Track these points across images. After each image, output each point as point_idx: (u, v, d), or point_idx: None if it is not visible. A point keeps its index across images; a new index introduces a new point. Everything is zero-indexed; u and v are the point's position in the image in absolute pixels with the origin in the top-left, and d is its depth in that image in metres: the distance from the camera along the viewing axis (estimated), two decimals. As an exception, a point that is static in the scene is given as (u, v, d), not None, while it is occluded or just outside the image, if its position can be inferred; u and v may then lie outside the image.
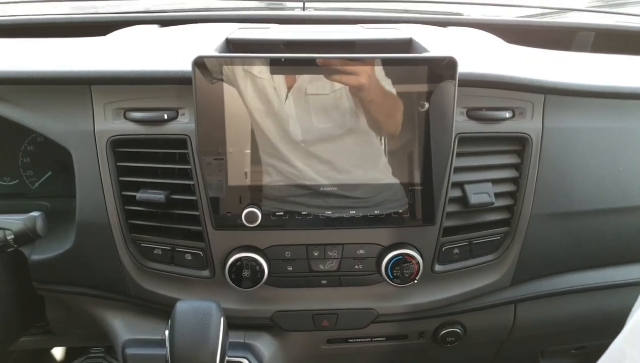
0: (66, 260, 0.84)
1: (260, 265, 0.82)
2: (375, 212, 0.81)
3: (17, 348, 1.41)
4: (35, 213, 0.77)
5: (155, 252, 0.84)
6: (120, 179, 0.82)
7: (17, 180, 1.01)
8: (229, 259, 0.82)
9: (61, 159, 1.00)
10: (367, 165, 0.79)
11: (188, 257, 0.84)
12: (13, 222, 0.76)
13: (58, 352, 1.70)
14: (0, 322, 0.82)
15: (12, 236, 0.75)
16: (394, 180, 0.80)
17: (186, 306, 0.68)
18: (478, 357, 1.07)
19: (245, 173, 0.78)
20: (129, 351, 0.85)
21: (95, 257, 0.84)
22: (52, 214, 0.94)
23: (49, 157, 1.00)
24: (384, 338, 0.95)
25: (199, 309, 0.68)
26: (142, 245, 0.84)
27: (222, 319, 0.68)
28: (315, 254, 0.84)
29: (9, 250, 0.78)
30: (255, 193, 0.79)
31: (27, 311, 0.94)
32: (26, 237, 0.76)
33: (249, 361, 0.85)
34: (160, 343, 0.85)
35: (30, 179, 1.01)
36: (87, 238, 0.83)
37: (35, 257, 0.86)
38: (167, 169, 0.82)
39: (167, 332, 0.68)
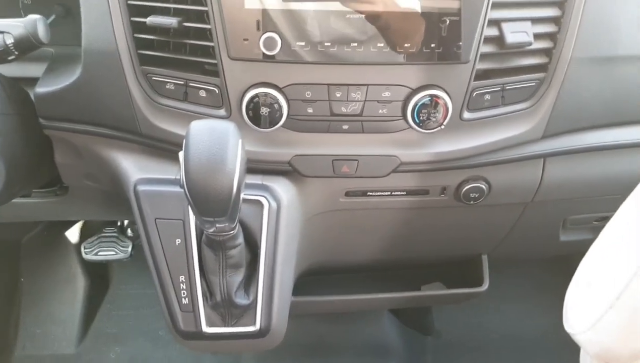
0: (73, 92, 0.80)
1: (279, 103, 0.77)
2: (405, 46, 0.75)
3: (30, 219, 1.41)
4: (35, 16, 0.72)
5: (167, 86, 0.79)
6: (129, 2, 0.75)
7: None
8: (245, 96, 0.77)
9: (65, 2, 0.93)
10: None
11: (202, 93, 0.79)
12: (12, 25, 0.70)
13: (71, 234, 1.72)
14: (8, 157, 0.79)
15: (12, 40, 0.70)
16: (426, 9, 0.73)
17: (202, 124, 0.64)
18: (499, 223, 1.04)
19: None
20: (141, 188, 0.82)
21: (104, 89, 0.79)
22: (57, 59, 0.89)
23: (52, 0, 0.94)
24: (404, 193, 0.92)
25: (216, 128, 0.63)
26: (154, 79, 0.79)
27: (240, 141, 0.64)
28: (338, 95, 0.79)
29: (9, 58, 0.73)
30: (275, 18, 0.73)
31: (36, 157, 0.91)
32: (28, 42, 0.71)
33: (268, 201, 0.82)
34: (173, 182, 0.82)
35: None
36: (95, 68, 0.78)
37: (40, 89, 0.81)
38: None
39: (181, 154, 0.64)
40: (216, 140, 0.62)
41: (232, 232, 0.73)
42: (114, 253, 1.54)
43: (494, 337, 1.65)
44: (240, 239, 0.76)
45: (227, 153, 0.61)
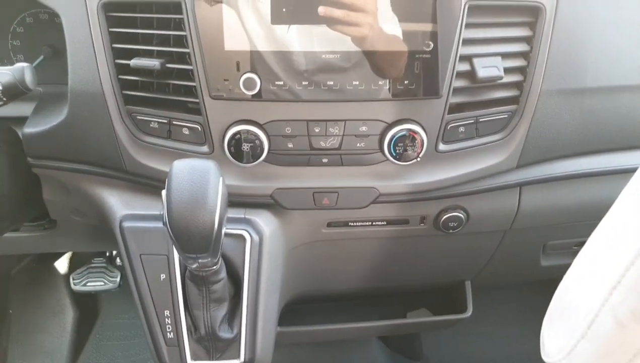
0: (60, 132, 0.82)
1: (260, 139, 0.80)
2: (380, 83, 0.78)
3: (19, 252, 1.42)
4: (23, 64, 0.74)
5: (151, 125, 0.82)
6: (114, 46, 0.78)
7: (8, 65, 0.98)
8: (227, 133, 0.80)
9: (53, 44, 0.96)
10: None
11: (186, 131, 0.82)
12: (0, 73, 0.73)
13: (61, 265, 1.72)
14: None
15: (1, 88, 0.72)
16: (400, 48, 0.76)
17: (183, 164, 0.66)
18: (480, 251, 1.06)
19: (243, 38, 0.75)
20: (127, 224, 0.84)
21: (89, 129, 0.81)
22: (46, 98, 0.91)
23: (41, 41, 0.97)
24: (385, 223, 0.94)
25: (197, 167, 0.66)
26: (138, 118, 0.82)
27: (221, 179, 0.66)
28: (317, 130, 0.82)
29: None
30: (254, 60, 0.76)
31: (24, 194, 0.92)
32: (16, 89, 0.73)
33: (250, 234, 0.84)
34: (158, 217, 0.84)
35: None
36: (81, 108, 0.80)
37: (28, 129, 0.83)
38: (162, 36, 0.78)
39: (163, 193, 0.66)
40: (197, 179, 0.64)
41: (214, 267, 0.74)
42: (102, 283, 1.54)
43: (482, 362, 1.65)
44: (223, 274, 0.78)
45: (208, 191, 0.63)
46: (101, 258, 1.57)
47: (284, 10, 0.73)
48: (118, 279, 1.53)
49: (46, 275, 1.69)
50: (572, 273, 0.66)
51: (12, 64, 0.97)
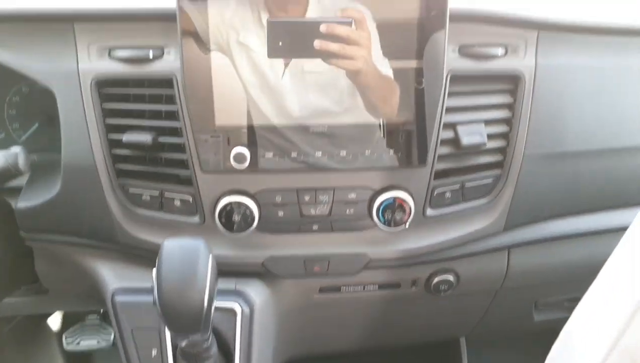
0: (53, 207, 0.83)
1: (251, 209, 0.81)
2: (367, 153, 0.80)
3: (10, 314, 1.41)
4: (16, 149, 0.76)
5: (143, 198, 0.83)
6: (106, 121, 0.80)
7: (3, 134, 1.00)
8: (218, 204, 0.81)
9: (47, 111, 0.98)
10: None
11: (177, 203, 0.83)
12: None
13: (54, 322, 1.70)
14: None
15: None
16: (384, 119, 0.78)
17: (173, 244, 0.67)
18: (472, 310, 1.07)
19: (233, 113, 0.77)
20: (119, 299, 0.84)
21: (82, 203, 0.83)
22: (40, 167, 0.92)
23: (35, 109, 0.99)
24: (377, 287, 0.94)
25: (186, 247, 0.66)
26: (130, 191, 0.83)
27: (210, 257, 0.67)
28: (306, 199, 0.83)
29: None
30: (244, 134, 0.78)
31: (16, 265, 0.93)
32: (8, 173, 0.75)
33: (241, 307, 0.84)
34: (150, 290, 0.84)
35: (16, 131, 1.00)
36: (74, 183, 0.82)
37: (21, 204, 0.84)
38: (153, 111, 0.80)
39: (154, 271, 0.67)
40: (187, 260, 0.65)
41: (205, 344, 0.74)
42: (96, 342, 1.52)
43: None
44: (214, 349, 0.77)
45: (197, 272, 0.64)
46: (95, 316, 1.56)
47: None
48: (112, 337, 1.51)
49: (38, 333, 1.66)
50: (558, 348, 0.66)
51: (7, 133, 1.00)
